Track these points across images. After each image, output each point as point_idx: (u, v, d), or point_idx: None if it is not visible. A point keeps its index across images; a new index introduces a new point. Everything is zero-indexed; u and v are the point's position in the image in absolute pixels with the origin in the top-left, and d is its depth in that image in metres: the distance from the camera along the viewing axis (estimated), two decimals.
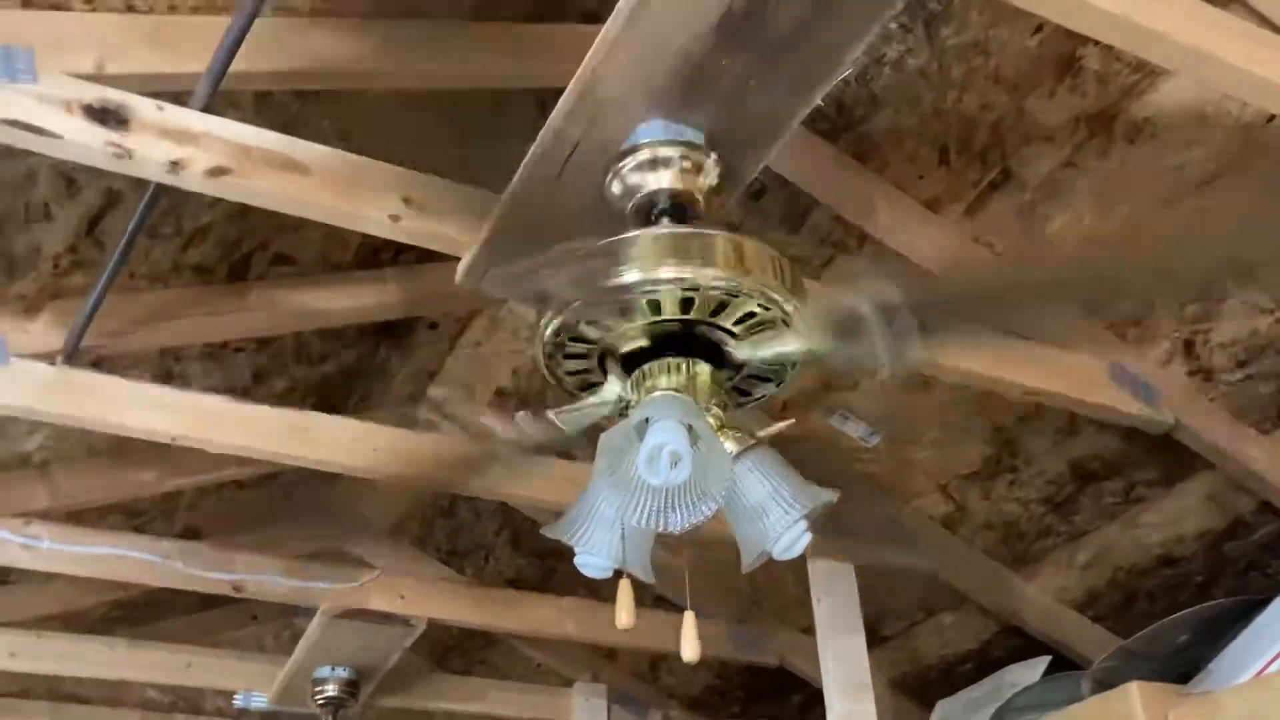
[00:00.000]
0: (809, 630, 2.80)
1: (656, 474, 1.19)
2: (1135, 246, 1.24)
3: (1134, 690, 2.09)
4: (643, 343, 1.35)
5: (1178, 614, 2.18)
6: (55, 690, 3.57)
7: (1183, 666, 2.18)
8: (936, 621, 3.22)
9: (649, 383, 1.34)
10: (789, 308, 1.33)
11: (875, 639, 3.19)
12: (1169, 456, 2.55)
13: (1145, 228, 1.37)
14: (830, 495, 1.34)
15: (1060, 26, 1.76)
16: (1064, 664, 2.85)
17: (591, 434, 1.36)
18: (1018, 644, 3.05)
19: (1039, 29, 1.92)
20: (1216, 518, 2.66)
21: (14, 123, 1.56)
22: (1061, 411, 2.47)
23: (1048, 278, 1.29)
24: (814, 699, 2.92)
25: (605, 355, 1.39)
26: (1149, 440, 2.47)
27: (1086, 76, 1.97)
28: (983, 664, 3.16)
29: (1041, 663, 2.75)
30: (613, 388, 1.39)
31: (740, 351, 1.36)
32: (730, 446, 1.32)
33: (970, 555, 2.94)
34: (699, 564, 3.07)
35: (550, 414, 1.41)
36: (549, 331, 1.36)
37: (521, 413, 1.55)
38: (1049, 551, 2.90)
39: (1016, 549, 2.92)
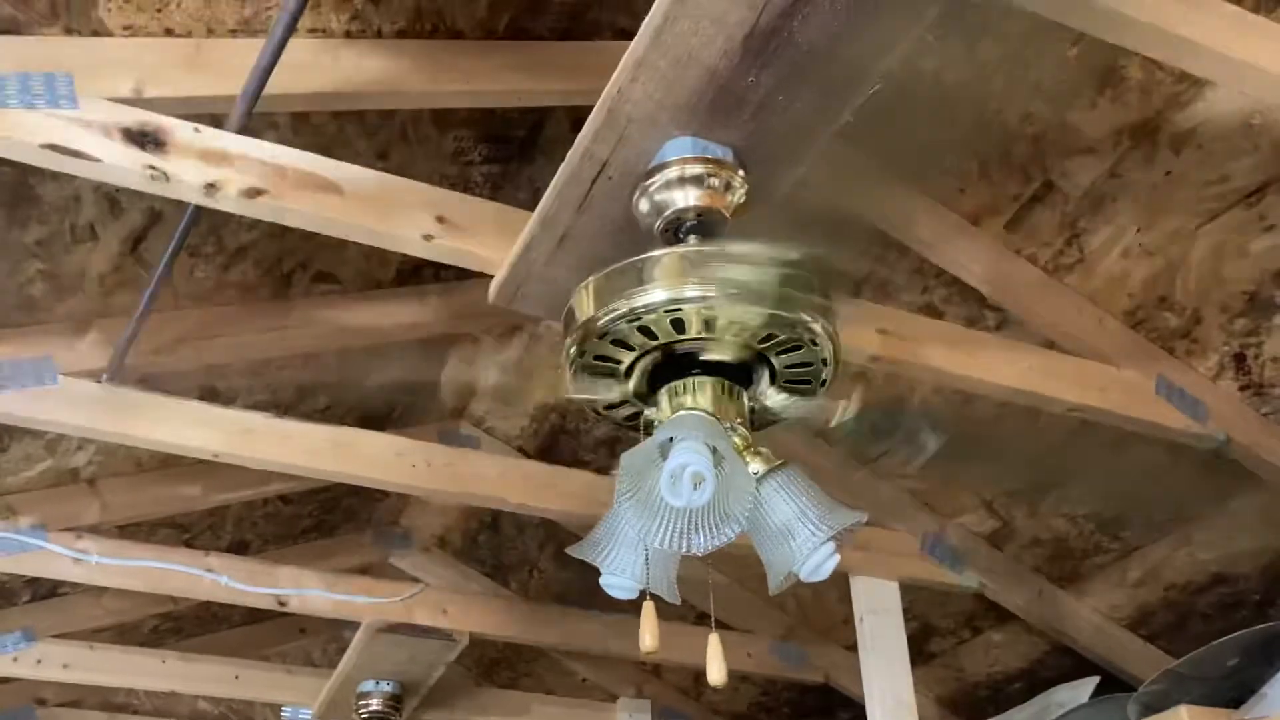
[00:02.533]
0: (853, 647, 2.77)
1: (678, 495, 1.18)
2: None
3: (1183, 714, 2.04)
4: (668, 361, 1.34)
5: (1227, 636, 2.12)
6: (108, 701, 3.64)
7: (1234, 690, 2.12)
8: (985, 639, 3.17)
9: (674, 401, 1.33)
10: (815, 326, 1.32)
11: (922, 656, 3.15)
12: (1221, 472, 2.49)
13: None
14: (860, 516, 1.32)
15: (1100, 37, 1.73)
16: (1116, 684, 2.79)
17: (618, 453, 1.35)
18: (1069, 663, 2.99)
19: (1078, 40, 1.89)
20: (1272, 535, 2.60)
21: (54, 147, 1.59)
22: (1109, 426, 2.42)
23: None
24: (861, 716, 2.88)
25: (631, 373, 1.38)
26: (1200, 455, 2.42)
27: (1128, 87, 1.94)
28: (1033, 683, 3.10)
29: (1090, 683, 2.70)
30: (627, 387, 1.37)
31: (765, 369, 1.35)
32: (756, 467, 1.30)
33: (1018, 572, 2.89)
34: (743, 580, 3.06)
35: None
36: (573, 350, 1.36)
37: None
38: (1099, 569, 2.84)
39: (1065, 566, 2.87)
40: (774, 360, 1.37)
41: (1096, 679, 2.73)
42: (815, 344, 1.34)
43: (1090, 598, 2.89)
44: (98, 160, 1.61)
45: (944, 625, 3.17)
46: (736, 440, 1.30)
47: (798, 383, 1.40)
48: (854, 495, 2.66)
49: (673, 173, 1.45)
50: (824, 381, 1.42)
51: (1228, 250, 2.12)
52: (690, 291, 1.29)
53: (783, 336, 1.32)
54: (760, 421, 1.40)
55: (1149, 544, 2.74)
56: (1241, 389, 2.33)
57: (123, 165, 1.61)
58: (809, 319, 1.31)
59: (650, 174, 1.47)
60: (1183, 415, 2.24)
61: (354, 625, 3.01)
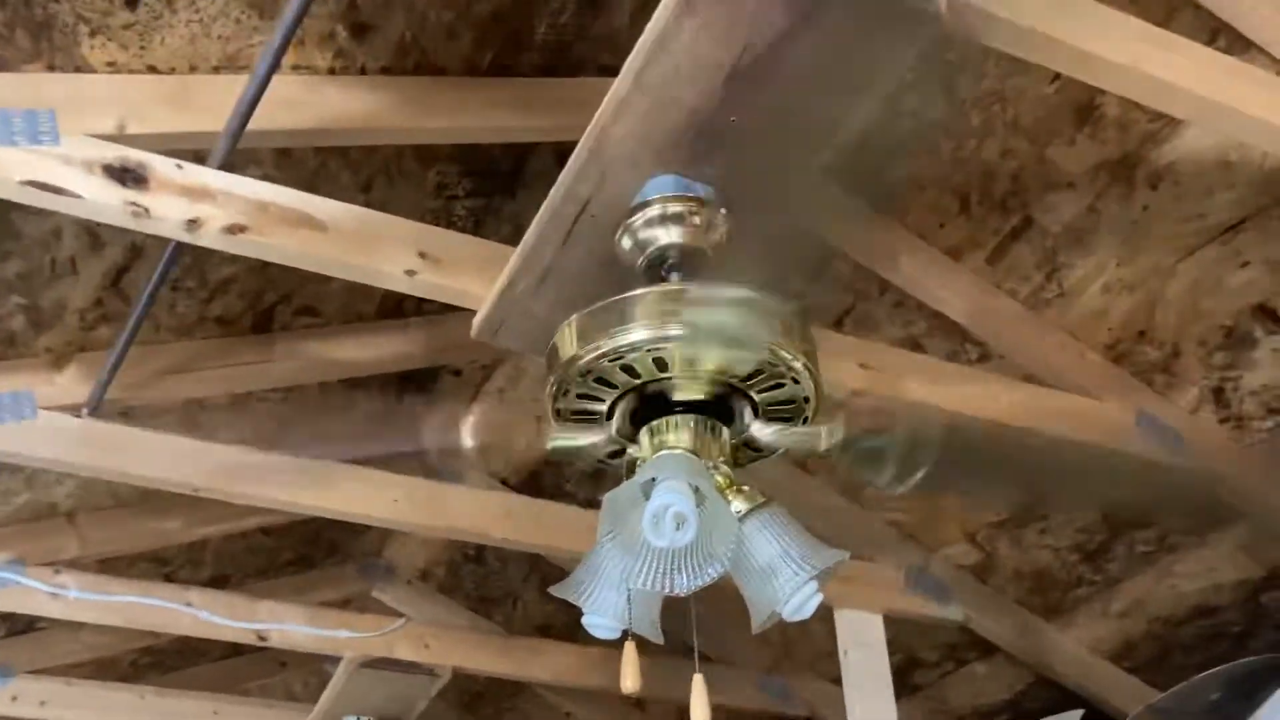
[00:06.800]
0: (838, 680, 2.76)
1: (661, 535, 1.17)
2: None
3: None
4: (650, 399, 1.34)
5: (1208, 671, 2.13)
6: None
7: None
8: (969, 671, 3.17)
9: (656, 440, 1.33)
10: (797, 364, 1.32)
11: (906, 688, 3.14)
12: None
13: None
14: (842, 555, 1.32)
15: None
16: (1100, 717, 2.79)
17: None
18: (1053, 695, 2.99)
19: (1056, 77, 1.91)
20: (1253, 567, 2.61)
21: (35, 183, 1.58)
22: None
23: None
24: None
25: (613, 412, 1.38)
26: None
27: (1106, 124, 1.96)
28: (1017, 715, 3.10)
29: (1074, 716, 2.69)
30: (605, 433, 1.37)
31: (749, 409, 1.35)
32: (738, 505, 1.30)
33: (1001, 604, 2.89)
34: (728, 614, 3.04)
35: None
36: (555, 389, 1.36)
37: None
38: (1082, 601, 2.84)
39: (1049, 598, 2.87)
40: (756, 397, 1.37)
41: (1081, 712, 2.73)
42: (796, 381, 1.34)
43: (1074, 630, 2.89)
44: (79, 196, 1.60)
45: (928, 658, 3.16)
46: (719, 479, 1.30)
47: (780, 420, 1.40)
48: (838, 528, 2.66)
49: (655, 211, 1.46)
50: (806, 418, 1.42)
51: (1206, 285, 2.14)
52: (673, 330, 1.29)
53: (765, 375, 1.32)
54: (747, 457, 1.40)
55: (1132, 577, 2.74)
56: (1221, 421, 2.34)
57: (104, 201, 1.61)
58: (789, 356, 1.31)
59: (633, 212, 1.47)
60: (1162, 448, 2.25)
61: (336, 659, 2.98)
